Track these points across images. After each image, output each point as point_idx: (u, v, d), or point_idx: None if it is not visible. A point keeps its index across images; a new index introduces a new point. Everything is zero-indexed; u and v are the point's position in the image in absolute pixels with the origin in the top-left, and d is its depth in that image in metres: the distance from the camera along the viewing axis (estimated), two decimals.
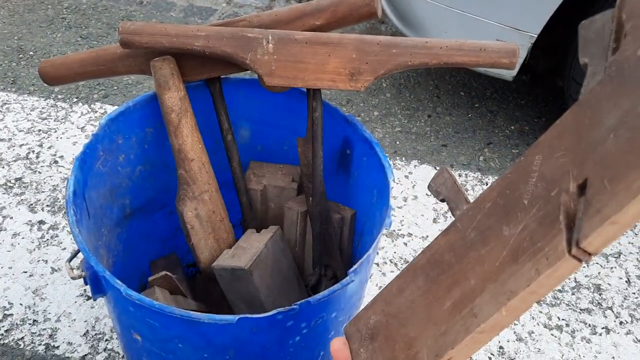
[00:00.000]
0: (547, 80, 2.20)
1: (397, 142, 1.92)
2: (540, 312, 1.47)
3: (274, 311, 0.78)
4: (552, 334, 1.42)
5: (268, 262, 1.10)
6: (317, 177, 1.08)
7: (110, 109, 1.92)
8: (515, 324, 1.44)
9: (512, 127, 2.04)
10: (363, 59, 1.00)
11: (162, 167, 1.20)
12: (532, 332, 1.42)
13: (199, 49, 1.01)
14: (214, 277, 1.17)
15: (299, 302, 0.79)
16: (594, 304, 1.50)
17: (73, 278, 0.87)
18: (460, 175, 1.84)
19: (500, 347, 1.40)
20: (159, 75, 1.05)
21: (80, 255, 1.25)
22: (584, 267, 1.59)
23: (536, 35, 1.53)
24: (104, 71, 1.11)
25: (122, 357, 1.29)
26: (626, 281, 1.55)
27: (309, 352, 0.94)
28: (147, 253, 1.28)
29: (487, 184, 1.82)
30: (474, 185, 1.81)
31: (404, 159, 1.87)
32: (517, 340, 1.41)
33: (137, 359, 0.98)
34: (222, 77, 1.12)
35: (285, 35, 1.00)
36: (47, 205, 1.60)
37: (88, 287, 1.40)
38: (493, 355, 1.38)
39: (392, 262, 1.55)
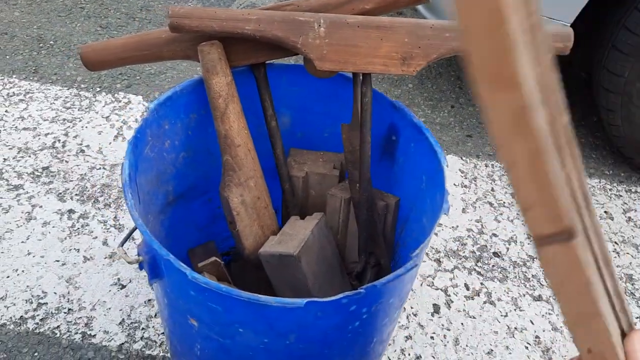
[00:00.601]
0: (570, 71, 2.20)
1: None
2: None
3: (340, 295, 0.78)
4: None
5: (314, 249, 1.09)
6: (364, 164, 1.07)
7: (134, 99, 1.91)
8: (549, 313, 1.44)
9: None
10: (415, 43, 0.99)
11: (204, 154, 1.19)
12: None
13: (250, 33, 0.99)
14: (256, 264, 1.16)
15: (364, 286, 0.78)
16: (627, 293, 1.50)
17: (130, 262, 0.86)
18: (486, 166, 1.83)
19: (537, 337, 1.40)
20: (207, 60, 1.03)
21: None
22: (615, 256, 1.59)
23: (569, 24, 1.52)
24: (147, 56, 1.10)
25: (160, 345, 1.29)
26: None
27: (364, 339, 0.93)
28: (185, 240, 1.27)
29: None
30: (501, 175, 1.80)
31: None
32: (552, 330, 1.41)
33: (189, 346, 0.97)
34: (266, 62, 1.11)
35: (336, 19, 0.99)
36: (76, 194, 1.59)
37: (122, 276, 1.40)
38: (529, 344, 1.38)
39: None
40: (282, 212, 1.24)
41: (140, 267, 0.89)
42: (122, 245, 0.93)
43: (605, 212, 1.73)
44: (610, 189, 1.82)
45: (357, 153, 1.11)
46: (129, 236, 0.97)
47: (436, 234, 1.60)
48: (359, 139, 1.08)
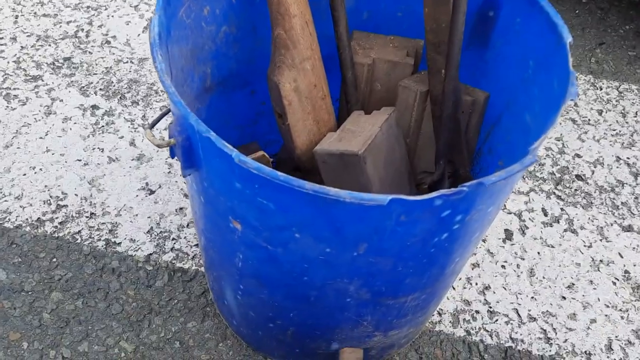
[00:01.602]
0: None
1: None
2: None
3: (434, 194, 0.58)
4: None
5: (382, 150, 0.89)
6: (455, 45, 0.84)
7: None
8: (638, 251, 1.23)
9: (627, 27, 1.74)
10: None
11: (249, 31, 0.97)
12: None
13: None
14: (309, 167, 0.97)
15: (467, 184, 0.58)
16: None
17: (159, 146, 0.67)
18: None
19: (626, 272, 1.19)
20: None
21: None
22: None
23: None
24: None
25: (193, 257, 1.13)
26: None
27: (447, 257, 0.74)
28: (224, 139, 1.08)
29: (600, 88, 1.56)
30: (585, 89, 1.55)
31: None
32: None
33: (229, 256, 0.80)
34: None
35: None
36: (101, 89, 1.40)
37: (150, 180, 1.23)
38: (617, 280, 1.18)
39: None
40: (340, 107, 1.03)
41: (172, 154, 0.70)
42: (151, 128, 0.74)
43: None
44: None
45: (442, 33, 0.88)
46: (160, 118, 0.78)
47: None
48: (448, 13, 0.85)
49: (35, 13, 1.55)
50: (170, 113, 0.88)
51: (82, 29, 1.53)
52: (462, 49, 0.94)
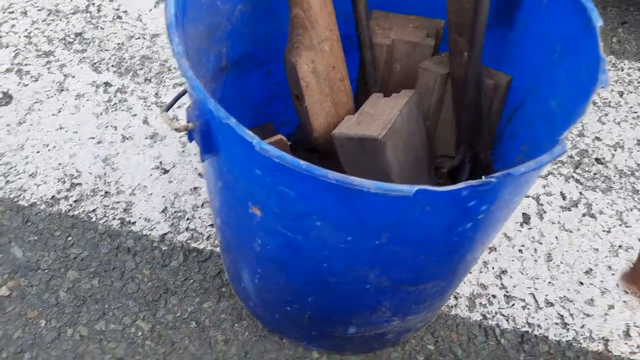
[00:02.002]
0: None
1: None
2: None
3: (462, 184, 0.56)
4: None
5: (402, 134, 0.87)
6: (480, 26, 0.81)
7: None
8: None
9: None
10: None
11: (265, 10, 0.95)
12: None
13: None
14: (325, 150, 0.96)
15: (496, 175, 0.57)
16: None
17: (177, 130, 0.66)
18: None
19: None
20: None
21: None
22: None
23: None
24: None
25: (208, 238, 1.12)
26: None
27: (470, 245, 0.73)
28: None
29: (622, 69, 1.52)
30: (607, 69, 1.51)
31: None
32: None
33: (247, 241, 0.79)
34: None
35: None
36: (113, 66, 1.38)
37: (164, 159, 1.22)
38: None
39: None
40: (357, 89, 1.01)
41: (190, 138, 0.69)
42: (167, 111, 0.73)
43: None
44: None
45: (465, 14, 0.85)
46: (176, 100, 0.77)
47: None
48: None
49: None
50: (187, 95, 0.86)
51: (94, 4, 1.51)
52: (487, 29, 0.91)
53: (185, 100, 1.20)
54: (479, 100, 0.89)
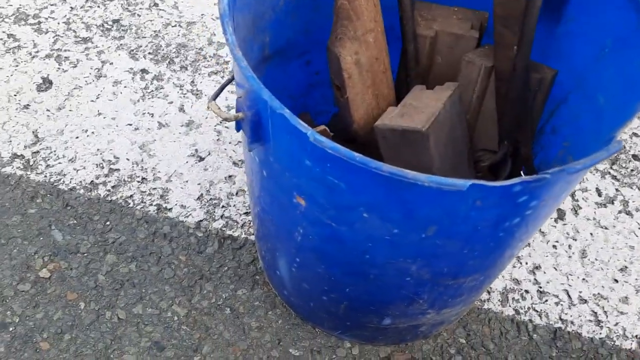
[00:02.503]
0: None
1: None
2: None
3: (515, 180, 0.56)
4: None
5: (445, 127, 0.87)
6: (531, 19, 0.80)
7: None
8: None
9: None
10: None
11: (309, 0, 0.95)
12: None
13: None
14: (365, 142, 0.96)
15: (550, 171, 0.56)
16: None
17: (227, 119, 0.66)
18: None
19: None
20: None
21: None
22: None
23: None
24: None
25: (242, 226, 1.13)
26: None
27: (514, 240, 0.73)
28: None
29: None
30: None
31: None
32: None
33: (288, 230, 0.80)
34: None
35: None
36: (149, 53, 1.40)
37: (200, 147, 1.23)
38: None
39: None
40: (397, 80, 1.01)
41: (238, 128, 0.70)
42: (215, 99, 0.74)
43: None
44: None
45: (511, 6, 0.84)
46: (223, 88, 0.77)
47: None
48: None
49: None
50: (233, 85, 0.87)
51: None
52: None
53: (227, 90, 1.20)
54: (524, 95, 0.88)
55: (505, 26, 0.86)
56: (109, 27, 1.44)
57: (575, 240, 1.17)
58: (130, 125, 1.27)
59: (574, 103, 0.87)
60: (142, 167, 1.20)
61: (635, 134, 1.35)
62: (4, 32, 1.39)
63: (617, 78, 0.75)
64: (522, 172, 0.98)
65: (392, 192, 0.60)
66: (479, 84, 0.93)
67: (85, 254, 1.07)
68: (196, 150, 1.24)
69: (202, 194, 1.18)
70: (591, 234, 1.18)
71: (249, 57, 0.88)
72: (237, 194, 1.18)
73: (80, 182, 1.17)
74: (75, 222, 1.11)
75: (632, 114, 0.63)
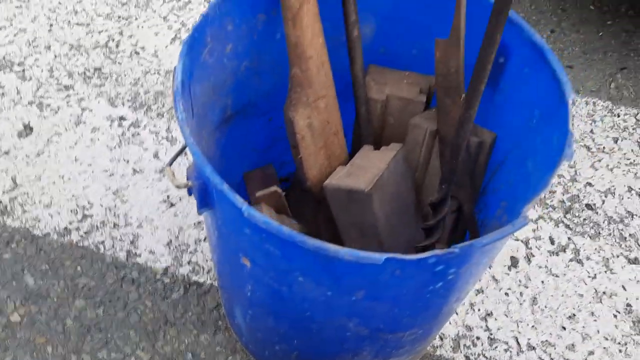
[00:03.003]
0: None
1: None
2: None
3: (428, 254, 0.62)
4: None
5: (389, 186, 0.93)
6: (477, 93, 0.84)
7: None
8: None
9: None
10: None
11: (269, 65, 1.02)
12: None
13: None
14: (319, 197, 1.02)
15: (459, 245, 0.62)
16: None
17: (178, 187, 0.72)
18: (587, 103, 1.58)
19: (628, 305, 1.22)
20: None
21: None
22: None
23: None
24: None
25: (208, 272, 1.19)
26: None
27: (443, 300, 0.79)
28: (241, 163, 1.13)
29: (618, 115, 1.56)
30: (603, 116, 1.56)
31: None
32: None
33: (239, 285, 0.85)
34: None
35: None
36: (128, 100, 1.46)
37: (171, 193, 1.29)
38: (619, 312, 1.20)
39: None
40: (353, 140, 1.08)
41: (189, 193, 0.76)
42: (171, 165, 0.80)
43: None
44: None
45: (452, 78, 0.91)
46: (179, 153, 0.84)
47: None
48: (458, 59, 0.88)
49: (69, 21, 1.62)
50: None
51: (113, 39, 1.60)
52: None
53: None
54: (465, 158, 0.94)
55: (446, 95, 0.93)
56: (90, 74, 1.51)
57: (527, 287, 1.23)
58: (106, 171, 1.33)
59: (510, 166, 0.93)
60: (115, 212, 1.26)
61: (589, 184, 1.41)
62: None
63: (541, 148, 0.82)
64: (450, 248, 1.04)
65: (320, 262, 0.66)
66: (425, 146, 0.99)
67: (55, 299, 1.12)
68: (168, 197, 1.30)
69: (171, 240, 1.23)
70: (542, 281, 1.24)
71: (209, 121, 0.95)
72: (204, 239, 1.24)
73: (55, 227, 1.22)
74: (47, 267, 1.16)
75: (541, 189, 0.69)
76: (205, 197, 0.73)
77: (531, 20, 1.80)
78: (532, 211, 1.35)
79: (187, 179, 0.74)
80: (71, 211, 1.25)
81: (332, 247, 0.61)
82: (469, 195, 0.99)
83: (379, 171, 0.91)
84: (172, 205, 1.28)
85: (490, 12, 0.84)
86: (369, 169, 0.93)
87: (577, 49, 1.73)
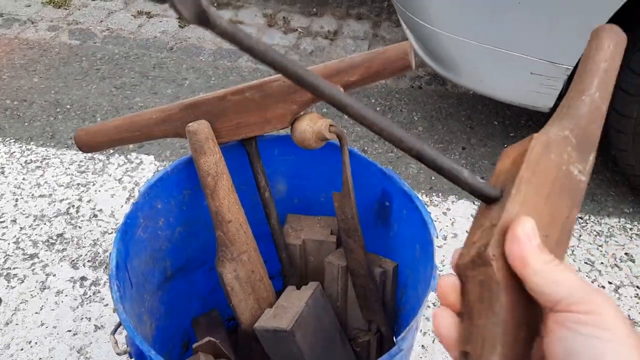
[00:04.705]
0: None
1: (433, 178, 1.89)
2: None
3: None
4: None
5: (310, 321, 1.08)
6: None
7: (146, 159, 1.95)
8: None
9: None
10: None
11: (201, 225, 1.19)
12: None
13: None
14: (255, 337, 1.16)
15: None
16: None
17: (118, 354, 0.86)
18: None
19: None
20: (194, 140, 1.05)
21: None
22: (638, 302, 1.52)
23: (572, 67, 1.49)
24: (139, 137, 1.13)
25: None
26: None
27: None
28: (188, 311, 1.27)
29: None
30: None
31: (440, 194, 1.84)
32: None
33: None
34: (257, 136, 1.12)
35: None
36: (88, 261, 1.62)
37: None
38: None
39: (434, 305, 1.51)
40: (283, 280, 1.24)
41: (130, 356, 0.90)
42: (114, 334, 0.94)
43: (625, 254, 1.67)
44: (630, 229, 1.75)
45: (350, 221, 1.10)
46: (120, 324, 0.98)
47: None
48: (351, 207, 1.07)
49: (32, 195, 1.81)
50: None
51: (73, 205, 1.78)
52: (373, 227, 1.16)
53: None
54: (370, 285, 1.11)
55: (348, 236, 1.11)
56: (53, 241, 1.67)
57: None
58: (70, 331, 1.45)
59: (409, 290, 1.10)
60: None
61: None
62: None
63: (423, 275, 0.99)
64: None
65: None
66: (340, 279, 1.16)
67: None
68: (125, 350, 1.41)
69: None
70: None
71: (151, 283, 1.11)
72: None
73: None
74: None
75: (411, 319, 0.85)
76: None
77: (444, 140, 2.06)
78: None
79: (127, 346, 0.88)
80: None
81: None
82: (382, 319, 1.14)
83: (299, 309, 1.06)
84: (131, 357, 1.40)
85: (370, 169, 1.05)
86: (291, 308, 1.08)
87: (486, 162, 1.97)
